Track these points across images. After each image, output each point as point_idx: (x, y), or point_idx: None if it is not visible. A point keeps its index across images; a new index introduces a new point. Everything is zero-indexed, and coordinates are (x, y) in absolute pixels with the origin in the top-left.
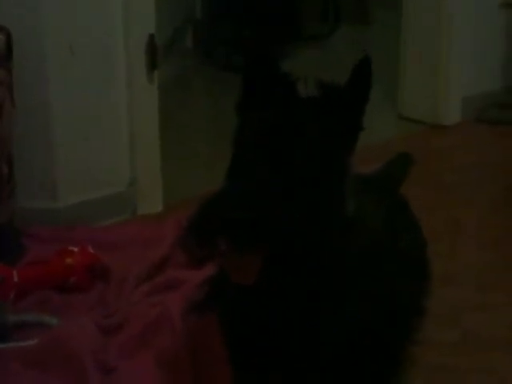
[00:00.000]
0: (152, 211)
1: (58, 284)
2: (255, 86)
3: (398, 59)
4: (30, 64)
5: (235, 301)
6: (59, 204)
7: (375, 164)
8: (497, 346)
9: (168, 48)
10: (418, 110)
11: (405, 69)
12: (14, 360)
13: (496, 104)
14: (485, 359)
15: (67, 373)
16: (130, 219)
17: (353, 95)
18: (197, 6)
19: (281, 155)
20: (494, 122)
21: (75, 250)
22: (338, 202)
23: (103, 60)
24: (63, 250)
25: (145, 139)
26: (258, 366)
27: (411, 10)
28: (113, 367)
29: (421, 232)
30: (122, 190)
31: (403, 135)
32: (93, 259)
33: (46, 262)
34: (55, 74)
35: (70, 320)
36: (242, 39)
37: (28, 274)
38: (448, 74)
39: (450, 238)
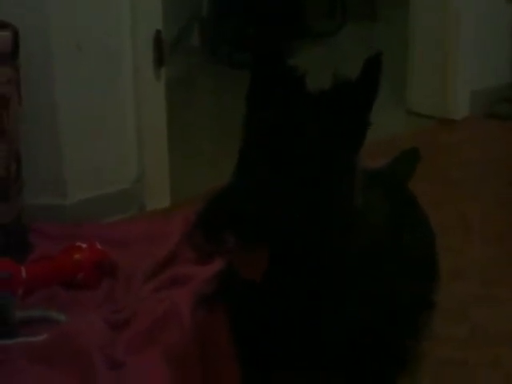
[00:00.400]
0: (160, 207)
1: (66, 280)
2: (263, 81)
3: (405, 55)
4: (37, 62)
5: (243, 297)
6: (67, 201)
7: (383, 159)
8: (504, 340)
9: (174, 46)
10: (426, 105)
11: (413, 64)
12: (21, 356)
13: (505, 99)
14: (492, 354)
15: (75, 369)
16: (138, 215)
17: (362, 91)
18: (203, 5)
19: (280, 154)
20: (504, 117)
21: (83, 246)
22: (341, 199)
23: (110, 57)
24: (71, 247)
25: (152, 136)
26: (265, 362)
27: (418, 6)
28: (121, 363)
29: (429, 227)
30: (129, 186)
31: (411, 130)
32: (101, 255)
33: (54, 258)
34: (62, 72)
35: (77, 316)
36: (248, 37)
37: (36, 271)
38: (456, 69)
39: (457, 233)
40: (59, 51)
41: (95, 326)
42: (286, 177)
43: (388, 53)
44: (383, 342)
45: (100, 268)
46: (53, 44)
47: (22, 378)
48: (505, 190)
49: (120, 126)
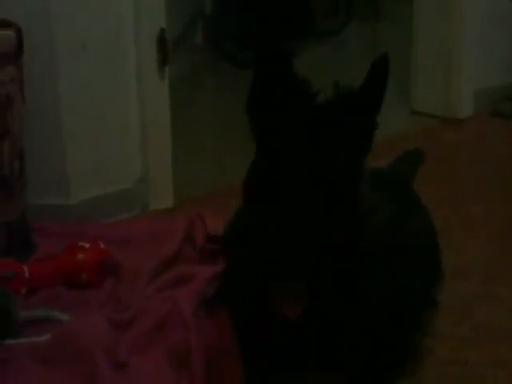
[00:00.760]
0: (163, 207)
1: (69, 280)
2: (267, 86)
3: (409, 54)
4: (41, 60)
5: (247, 298)
6: (70, 200)
7: (387, 158)
8: (507, 339)
9: (177, 44)
10: (431, 104)
11: (417, 63)
12: (24, 356)
13: (509, 97)
14: (495, 352)
15: (78, 369)
16: (141, 215)
17: (369, 97)
18: (206, 2)
19: (300, 184)
20: (508, 115)
21: (86, 245)
22: (358, 211)
23: (114, 55)
24: (74, 246)
25: (155, 134)
26: (267, 363)
27: (422, 4)
28: (124, 363)
29: (432, 225)
30: (132, 185)
31: (415, 129)
32: (104, 255)
33: (57, 257)
34: (66, 70)
35: (81, 316)
36: (251, 35)
37: (39, 270)
38: (460, 68)
39: (460, 232)
40: (63, 50)
41: (98, 326)
42: (311, 206)
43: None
44: (385, 340)
45: (103, 268)
46: (57, 43)
47: (25, 378)
48: (508, 189)
49: (123, 125)
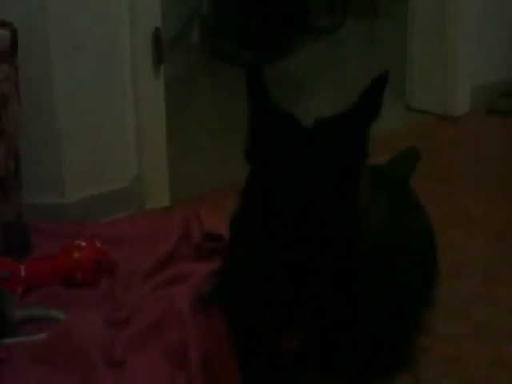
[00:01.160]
0: (159, 206)
1: (66, 279)
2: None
3: (405, 51)
4: (36, 61)
5: (242, 300)
6: (66, 200)
7: (382, 156)
8: (506, 338)
9: (174, 43)
10: (427, 101)
11: (413, 60)
12: (21, 355)
13: (506, 94)
14: (494, 352)
15: (75, 367)
16: (137, 214)
17: (366, 112)
18: (203, 1)
19: (299, 215)
20: (504, 112)
21: (82, 244)
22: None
23: (109, 55)
24: (70, 245)
25: (151, 134)
26: (267, 365)
27: (418, 1)
28: (120, 361)
29: (428, 222)
30: (128, 185)
31: (411, 126)
32: (100, 254)
33: (54, 256)
34: (60, 71)
35: (77, 314)
36: (251, 34)
37: (35, 269)
38: (456, 65)
39: (458, 230)
40: (58, 50)
41: (95, 325)
42: (311, 237)
43: (388, 49)
44: (384, 340)
45: (99, 266)
46: (51, 43)
47: (22, 377)
48: (506, 187)
49: (119, 125)
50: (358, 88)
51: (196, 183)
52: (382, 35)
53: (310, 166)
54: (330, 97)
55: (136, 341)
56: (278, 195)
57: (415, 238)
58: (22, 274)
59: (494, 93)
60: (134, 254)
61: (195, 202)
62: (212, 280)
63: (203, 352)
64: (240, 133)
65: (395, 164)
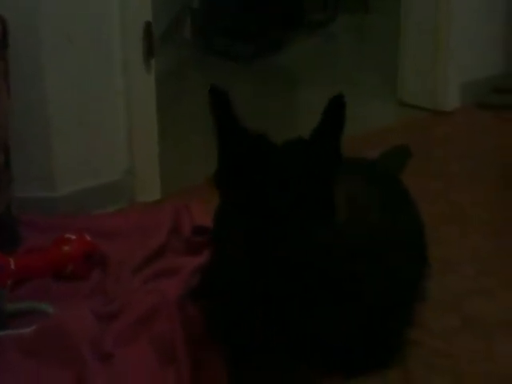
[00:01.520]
0: (150, 200)
1: (56, 272)
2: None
3: (397, 46)
4: (26, 53)
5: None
6: (56, 193)
7: (374, 150)
8: (497, 332)
9: (165, 38)
10: (418, 96)
11: (404, 55)
12: (10, 348)
13: (496, 89)
14: (485, 345)
15: (64, 361)
16: (128, 207)
17: (327, 137)
18: None
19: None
20: (495, 107)
21: (72, 237)
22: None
23: (100, 49)
24: (60, 238)
25: (142, 128)
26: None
27: None
28: (110, 354)
29: (420, 220)
30: (119, 178)
31: (402, 122)
32: (90, 247)
33: (44, 249)
34: (51, 64)
35: (67, 308)
36: (243, 28)
37: (25, 262)
38: (448, 60)
39: (450, 225)
40: (49, 43)
41: (84, 318)
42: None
43: (380, 44)
44: (376, 334)
45: (89, 259)
46: (42, 36)
47: (10, 370)
48: (497, 181)
49: (110, 118)
50: (350, 82)
51: (187, 177)
52: (374, 31)
53: (277, 191)
54: (323, 90)
55: (126, 334)
56: (243, 221)
57: (406, 233)
58: (12, 266)
59: (484, 88)
60: (124, 247)
61: (186, 196)
62: (198, 275)
63: (192, 345)
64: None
65: (386, 160)
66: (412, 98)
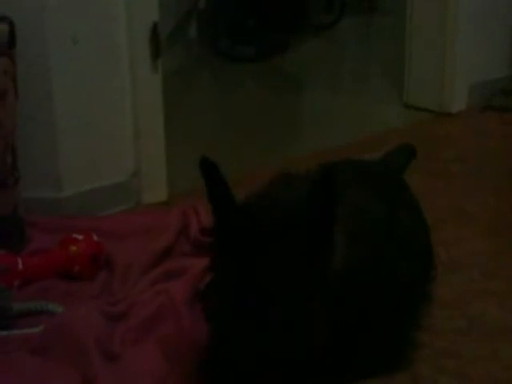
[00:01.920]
0: (157, 200)
1: (63, 272)
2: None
3: (402, 48)
4: (33, 53)
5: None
6: (63, 194)
7: (379, 152)
8: (502, 333)
9: (172, 38)
10: (424, 98)
11: (410, 57)
12: (18, 348)
13: (502, 91)
14: (490, 346)
15: (71, 360)
16: (135, 209)
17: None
18: None
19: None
20: (501, 109)
21: (80, 238)
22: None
23: (106, 49)
24: (68, 238)
25: (149, 128)
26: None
27: None
28: (117, 355)
29: (425, 221)
30: (125, 179)
31: (408, 123)
32: (97, 248)
33: (51, 250)
34: (58, 64)
35: (74, 308)
36: (247, 30)
37: (33, 262)
38: (454, 62)
39: (455, 226)
40: (55, 44)
41: (92, 318)
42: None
43: (385, 46)
44: (385, 338)
45: (96, 260)
46: (49, 37)
47: (18, 370)
48: (502, 183)
49: (116, 119)
50: (355, 85)
51: (194, 178)
52: (380, 32)
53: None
54: (328, 92)
55: (133, 334)
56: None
57: (411, 235)
58: (20, 267)
59: (490, 90)
60: (131, 248)
61: (193, 197)
62: (206, 278)
63: (199, 346)
64: (238, 128)
65: (391, 158)
66: (418, 100)
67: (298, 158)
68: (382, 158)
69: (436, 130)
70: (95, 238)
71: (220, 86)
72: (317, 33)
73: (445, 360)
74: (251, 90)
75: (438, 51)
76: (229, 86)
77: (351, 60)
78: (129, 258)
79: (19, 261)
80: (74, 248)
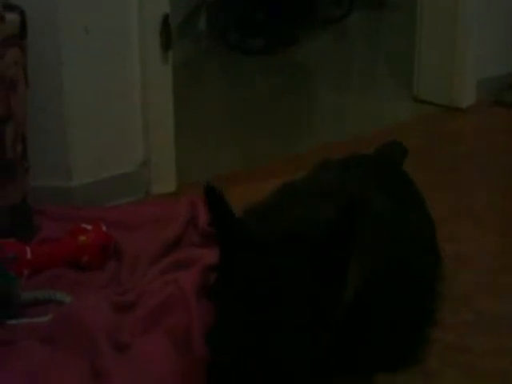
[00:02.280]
0: (165, 191)
1: (72, 262)
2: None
3: (413, 42)
4: (44, 44)
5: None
6: (73, 183)
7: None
8: (510, 327)
9: (181, 30)
10: (433, 93)
11: (420, 51)
12: (26, 337)
13: (511, 86)
14: (498, 340)
15: (80, 350)
16: (143, 199)
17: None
18: None
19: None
20: (510, 104)
21: (89, 227)
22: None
23: (117, 40)
24: (77, 228)
25: (158, 119)
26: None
27: None
28: (126, 345)
29: (429, 215)
30: (135, 169)
31: (419, 118)
32: (106, 238)
33: (60, 239)
34: (69, 54)
35: (83, 298)
36: (256, 22)
37: (41, 251)
38: (464, 56)
39: (462, 221)
40: (67, 35)
41: (100, 308)
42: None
43: (395, 39)
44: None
45: (105, 250)
46: (60, 27)
47: (26, 358)
48: (511, 178)
49: (126, 110)
50: (365, 80)
51: (203, 168)
52: (390, 26)
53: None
54: (337, 86)
55: (141, 324)
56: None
57: (419, 232)
58: (29, 256)
59: (499, 85)
60: (140, 238)
61: (202, 188)
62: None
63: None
64: (247, 119)
65: (386, 154)
66: (427, 95)
67: (307, 151)
68: (379, 153)
69: (445, 124)
70: (104, 228)
71: (229, 79)
72: (326, 27)
73: (453, 354)
74: (260, 83)
75: (447, 45)
76: (238, 78)
77: (360, 54)
78: (137, 248)
79: (28, 250)
80: (83, 238)
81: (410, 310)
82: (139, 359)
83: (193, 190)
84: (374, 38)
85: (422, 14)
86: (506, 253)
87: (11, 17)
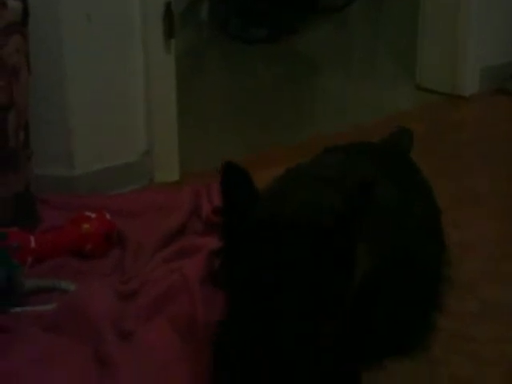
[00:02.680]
0: (168, 180)
1: (75, 250)
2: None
3: (415, 31)
4: (46, 31)
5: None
6: (76, 172)
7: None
8: None
9: (183, 19)
10: (436, 81)
11: (423, 39)
12: (30, 324)
13: None
14: (503, 328)
15: (84, 337)
16: (146, 188)
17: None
18: None
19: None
20: None
21: (92, 216)
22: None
23: (120, 28)
24: (80, 216)
25: (161, 108)
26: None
27: None
28: (130, 332)
29: (435, 202)
30: (138, 158)
31: (421, 106)
32: (110, 226)
33: (64, 228)
34: (71, 42)
35: (86, 286)
36: (255, 11)
37: (45, 240)
38: (466, 45)
39: (466, 209)
40: (69, 22)
41: (104, 296)
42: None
43: (398, 28)
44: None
45: (109, 238)
46: (62, 15)
47: (30, 346)
48: None
49: (129, 98)
50: (367, 68)
51: (206, 158)
52: (392, 15)
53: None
54: (339, 75)
55: (145, 312)
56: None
57: (424, 219)
58: (32, 244)
59: (503, 74)
60: (143, 226)
61: (205, 176)
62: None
63: (212, 325)
64: (249, 108)
65: (394, 141)
66: (430, 83)
67: (309, 140)
68: (386, 141)
69: (448, 112)
70: (107, 216)
71: (231, 68)
72: (328, 16)
73: (458, 342)
74: (262, 72)
75: (451, 34)
76: (240, 67)
77: (363, 43)
78: (141, 236)
79: (32, 238)
80: (86, 226)
81: (416, 298)
82: (143, 347)
83: (196, 179)
84: (376, 26)
85: (424, 2)
86: (510, 239)
87: (13, 3)
